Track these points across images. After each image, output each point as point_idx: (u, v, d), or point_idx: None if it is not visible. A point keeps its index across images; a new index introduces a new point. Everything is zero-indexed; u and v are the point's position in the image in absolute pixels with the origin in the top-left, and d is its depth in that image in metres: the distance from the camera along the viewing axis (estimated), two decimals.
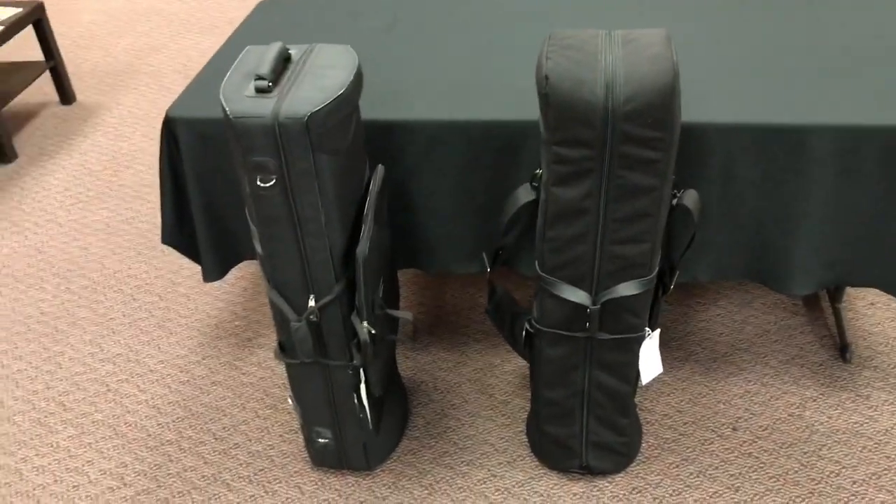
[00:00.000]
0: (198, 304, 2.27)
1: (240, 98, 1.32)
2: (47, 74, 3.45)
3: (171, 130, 1.75)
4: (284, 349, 1.59)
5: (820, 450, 1.77)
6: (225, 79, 1.38)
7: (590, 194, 1.37)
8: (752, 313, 2.10)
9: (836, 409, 1.85)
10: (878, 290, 2.12)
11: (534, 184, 1.58)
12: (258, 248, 1.47)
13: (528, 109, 1.63)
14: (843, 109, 1.55)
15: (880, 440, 1.78)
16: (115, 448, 1.88)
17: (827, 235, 1.64)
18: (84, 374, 2.08)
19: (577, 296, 1.48)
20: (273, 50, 1.37)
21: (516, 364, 2.01)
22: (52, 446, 1.90)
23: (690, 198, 1.50)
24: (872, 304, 2.10)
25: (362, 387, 1.59)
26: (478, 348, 2.07)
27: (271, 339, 2.14)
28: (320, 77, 1.36)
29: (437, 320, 2.16)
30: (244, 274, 2.36)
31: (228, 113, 1.30)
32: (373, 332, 1.51)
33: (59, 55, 3.26)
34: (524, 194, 1.60)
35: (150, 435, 1.91)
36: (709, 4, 1.98)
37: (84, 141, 3.07)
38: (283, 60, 1.39)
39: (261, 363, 2.07)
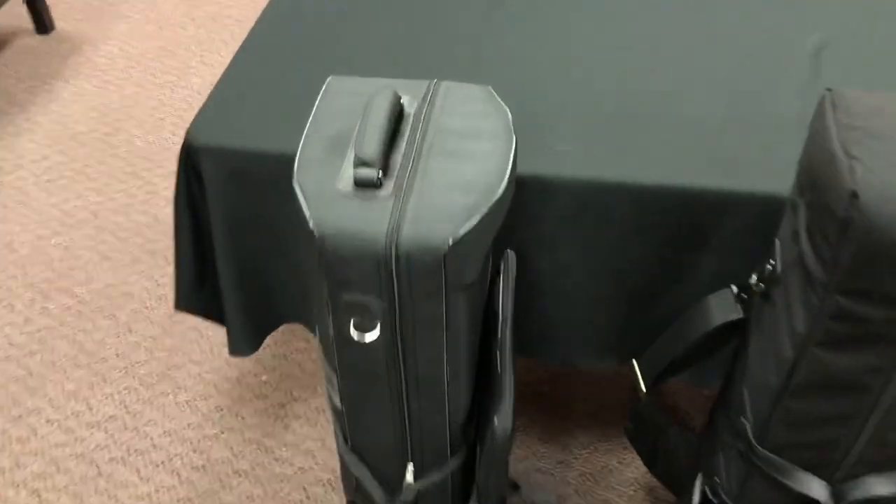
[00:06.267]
0: (213, 344, 1.76)
1: (329, 195, 0.78)
2: None
3: (193, 162, 1.21)
4: None
5: None
6: (300, 146, 0.84)
7: (878, 368, 0.86)
8: None
9: None
10: None
11: (742, 294, 1.07)
12: (334, 399, 0.96)
13: (728, 174, 1.11)
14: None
15: None
16: None
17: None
18: (66, 447, 1.58)
19: (813, 488, 0.99)
20: (382, 106, 0.82)
21: (637, 470, 1.54)
22: None
23: None
24: None
25: None
26: (584, 441, 1.59)
27: (309, 406, 1.64)
28: (459, 158, 0.82)
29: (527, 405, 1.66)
30: None
31: (312, 226, 0.76)
32: None
33: None
34: (722, 308, 1.09)
35: None
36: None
37: (65, 87, 2.48)
38: (397, 118, 0.85)
39: (297, 445, 1.58)
